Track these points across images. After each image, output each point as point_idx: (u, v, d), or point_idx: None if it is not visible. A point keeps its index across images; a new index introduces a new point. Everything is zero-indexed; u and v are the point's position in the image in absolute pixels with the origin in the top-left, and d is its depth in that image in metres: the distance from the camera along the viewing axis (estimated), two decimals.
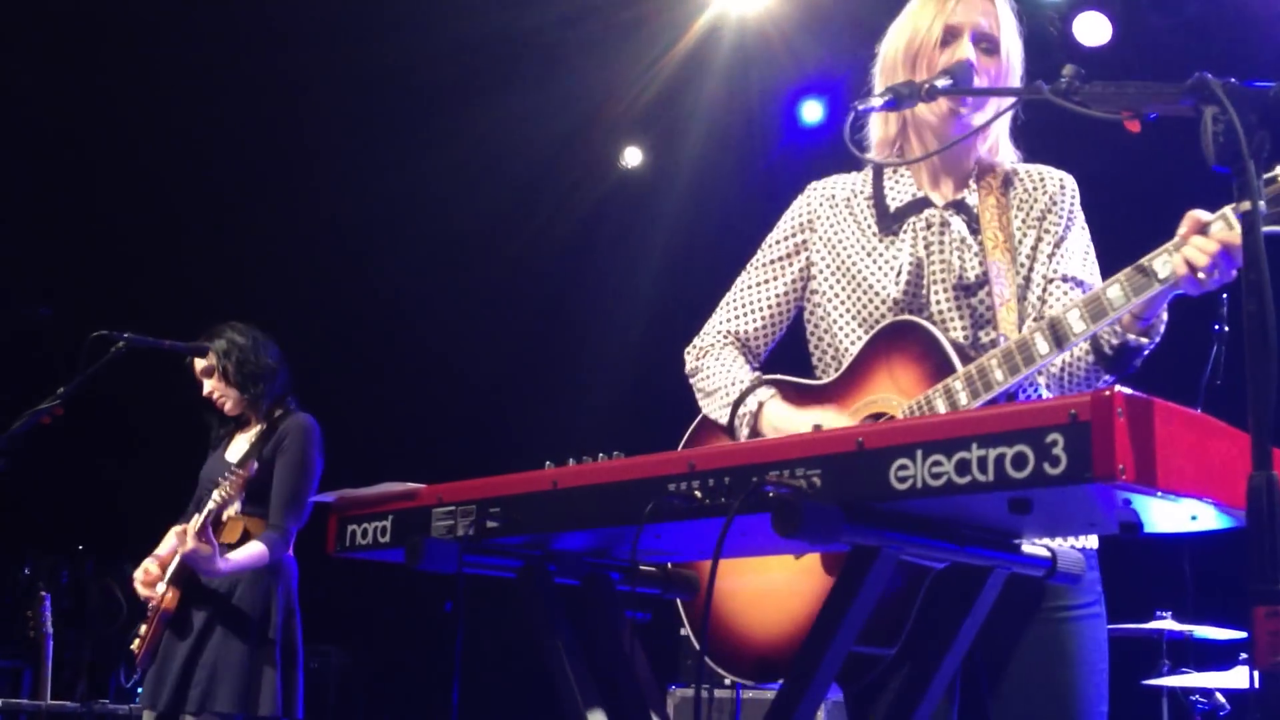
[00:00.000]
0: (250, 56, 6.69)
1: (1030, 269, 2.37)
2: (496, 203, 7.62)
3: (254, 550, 4.14)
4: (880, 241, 2.42)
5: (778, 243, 2.57)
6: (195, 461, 4.57)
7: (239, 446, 4.43)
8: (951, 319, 2.33)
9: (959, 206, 2.41)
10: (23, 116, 6.59)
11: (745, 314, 2.57)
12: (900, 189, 2.46)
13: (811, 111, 7.09)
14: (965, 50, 2.38)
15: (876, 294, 2.38)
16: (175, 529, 4.21)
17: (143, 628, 4.27)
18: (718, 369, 2.52)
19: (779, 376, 2.49)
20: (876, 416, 2.26)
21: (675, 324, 8.58)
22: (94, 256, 7.28)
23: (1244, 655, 4.71)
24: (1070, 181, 2.45)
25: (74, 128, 6.82)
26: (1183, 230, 2.01)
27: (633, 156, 7.87)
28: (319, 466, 4.35)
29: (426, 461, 4.48)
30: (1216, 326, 4.32)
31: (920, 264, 2.37)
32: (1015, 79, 2.42)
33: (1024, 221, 2.40)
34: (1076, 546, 2.25)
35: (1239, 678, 4.63)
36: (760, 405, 2.40)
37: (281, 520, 4.20)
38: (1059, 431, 1.46)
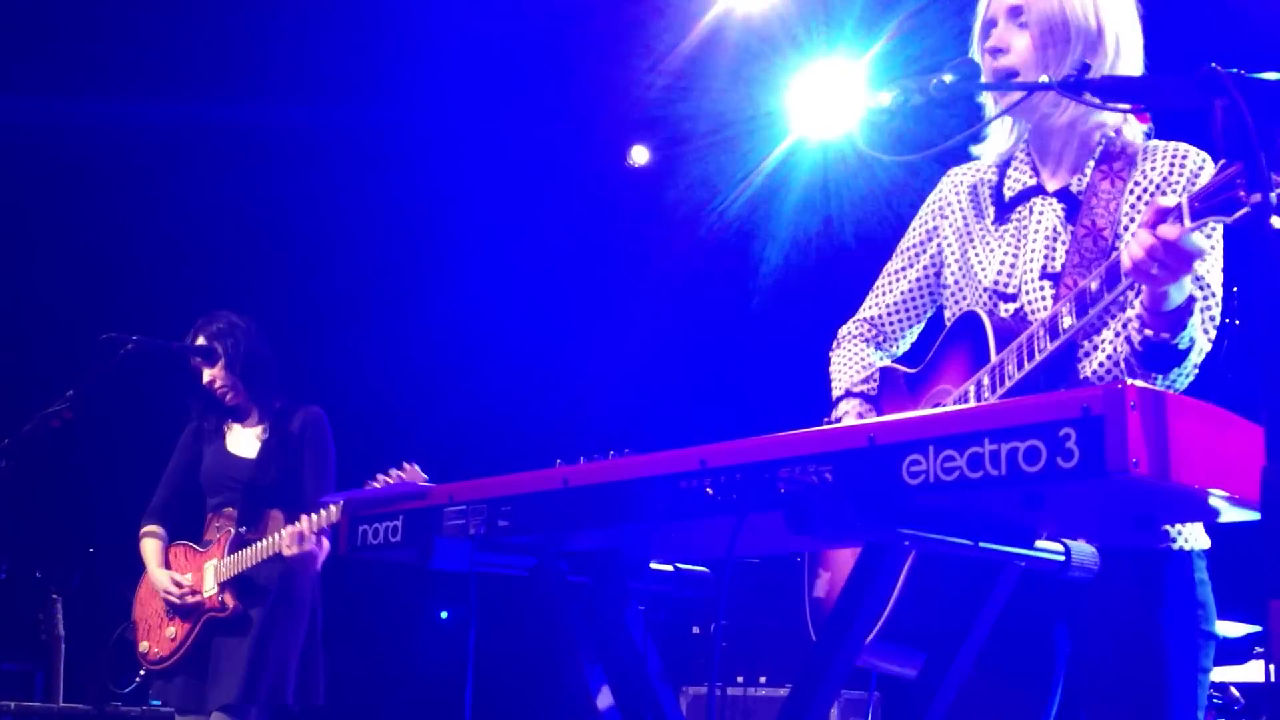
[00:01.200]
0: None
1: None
2: (502, 198, 7.62)
3: (327, 547, 4.17)
4: (993, 231, 2.43)
5: (914, 229, 2.60)
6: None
7: (243, 440, 4.40)
8: (1038, 308, 2.31)
9: (1063, 194, 2.38)
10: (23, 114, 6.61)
11: (880, 301, 2.62)
12: (1017, 178, 2.45)
13: (814, 112, 7.07)
14: (997, 37, 2.36)
15: (978, 283, 2.40)
16: (291, 529, 4.08)
17: (170, 630, 4.24)
18: (838, 366, 2.61)
19: (891, 365, 2.53)
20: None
21: (685, 320, 8.57)
22: (87, 256, 7.29)
23: (1259, 650, 4.70)
24: (1195, 156, 2.29)
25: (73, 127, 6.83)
26: (1140, 220, 1.98)
27: (640, 154, 7.87)
28: (334, 456, 4.39)
29: (437, 460, 4.48)
30: (1227, 319, 4.30)
31: (1017, 254, 2.37)
32: (1061, 44, 2.33)
33: (1138, 200, 2.31)
34: (1185, 548, 2.23)
35: (1254, 672, 4.62)
36: (838, 420, 2.48)
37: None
38: (1072, 425, 1.46)
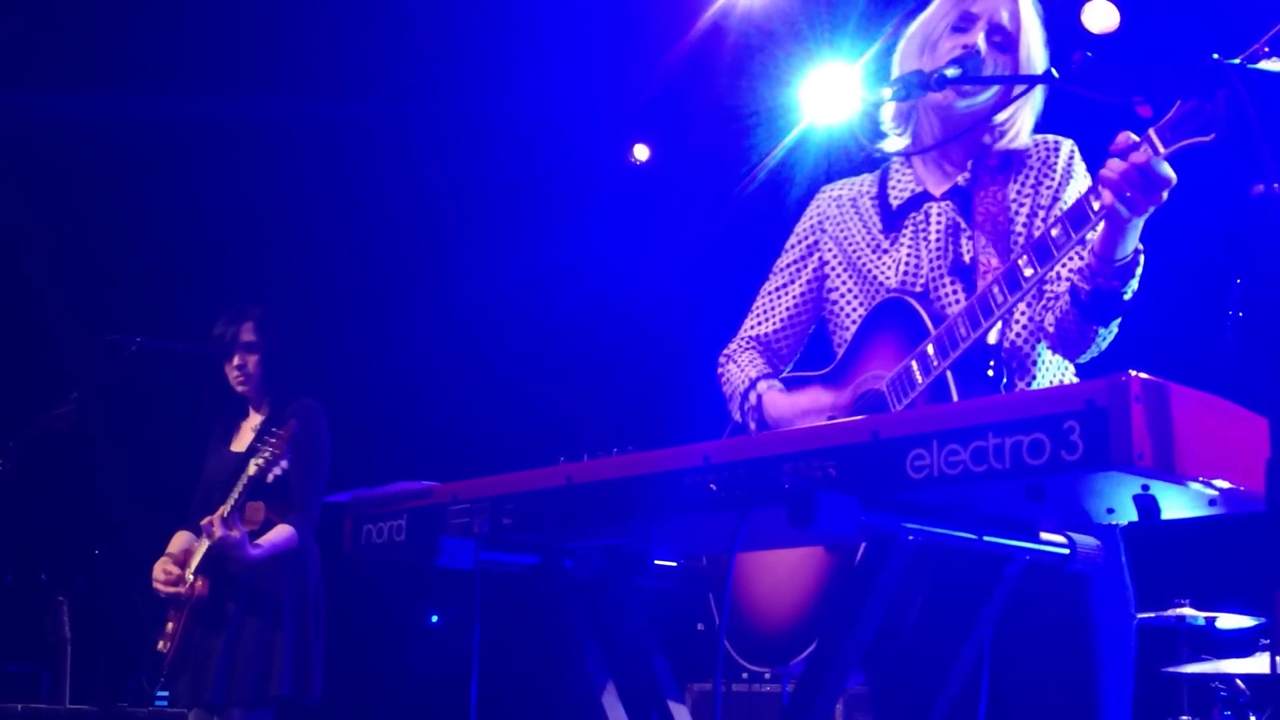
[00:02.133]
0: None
1: (1029, 235, 2.39)
2: (505, 194, 7.62)
3: (283, 534, 4.14)
4: (885, 238, 2.48)
5: (792, 248, 2.65)
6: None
7: (242, 437, 4.40)
8: (948, 303, 2.37)
9: (954, 193, 2.45)
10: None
11: (766, 319, 2.66)
12: (901, 186, 2.51)
13: (818, 106, 7.06)
14: (975, 38, 2.39)
15: (880, 286, 2.45)
16: (203, 521, 4.12)
17: (169, 626, 4.26)
18: (734, 372, 2.63)
19: (791, 373, 2.59)
20: (869, 394, 2.29)
21: (688, 318, 8.57)
22: (89, 255, 7.30)
23: (1265, 641, 4.70)
24: (1066, 143, 2.45)
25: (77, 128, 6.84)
26: (1110, 149, 2.06)
27: (641, 151, 7.86)
28: (330, 448, 4.34)
29: (441, 460, 4.48)
30: (1230, 311, 4.29)
31: (919, 255, 2.42)
32: (1035, 63, 2.43)
33: (1019, 193, 2.42)
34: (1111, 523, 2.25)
35: (1259, 664, 4.61)
36: (759, 397, 2.51)
37: (308, 503, 4.19)
38: (1076, 418, 1.45)
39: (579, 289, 7.89)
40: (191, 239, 7.22)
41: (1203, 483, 1.52)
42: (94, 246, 7.31)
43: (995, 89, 2.41)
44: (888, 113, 2.55)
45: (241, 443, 4.39)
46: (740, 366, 2.63)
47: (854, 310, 2.49)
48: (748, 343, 2.67)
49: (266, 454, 4.01)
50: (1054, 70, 2.23)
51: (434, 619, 8.28)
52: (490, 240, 7.79)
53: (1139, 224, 2.11)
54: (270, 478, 4.06)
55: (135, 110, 6.73)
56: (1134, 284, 2.19)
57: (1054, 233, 2.12)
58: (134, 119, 6.77)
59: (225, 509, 4.02)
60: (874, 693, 2.36)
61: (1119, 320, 2.24)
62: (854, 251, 2.51)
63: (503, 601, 2.12)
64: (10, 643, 6.60)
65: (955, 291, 2.37)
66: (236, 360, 4.35)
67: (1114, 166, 2.03)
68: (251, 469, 4.02)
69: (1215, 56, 1.76)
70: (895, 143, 2.55)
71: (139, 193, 7.14)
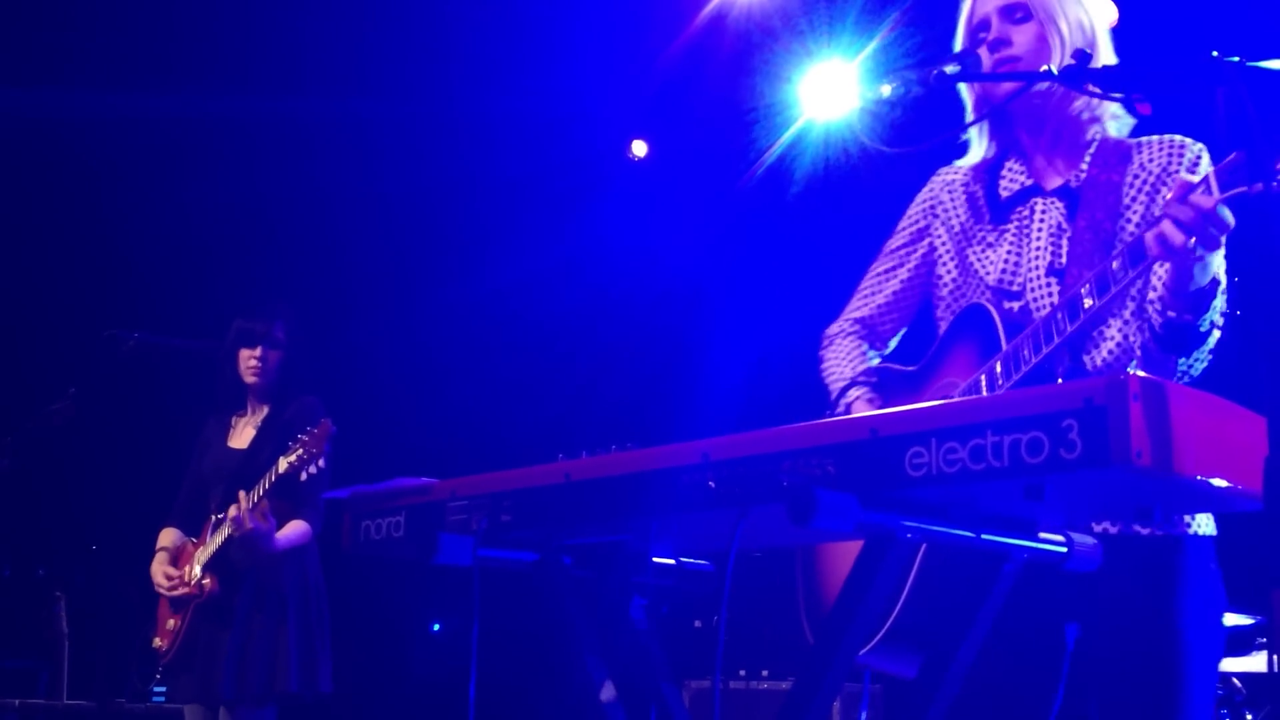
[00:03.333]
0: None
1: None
2: (503, 191, 7.61)
3: (299, 529, 4.16)
4: (991, 230, 2.44)
5: (903, 229, 2.60)
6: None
7: (242, 433, 4.41)
8: (1043, 305, 2.33)
9: (1062, 192, 2.39)
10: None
11: (870, 300, 2.62)
12: (1012, 178, 2.46)
13: (817, 102, 7.06)
14: (995, 32, 2.37)
15: (980, 282, 2.41)
16: (230, 513, 4.10)
17: (169, 623, 4.26)
18: (832, 363, 2.60)
19: (886, 365, 2.55)
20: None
21: (688, 314, 8.56)
22: (87, 252, 7.29)
23: (1262, 640, 4.70)
24: (1195, 147, 2.34)
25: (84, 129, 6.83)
26: (1167, 195, 2.03)
27: (640, 148, 7.86)
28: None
29: (440, 456, 4.48)
30: (1229, 310, 4.29)
31: (1019, 252, 2.38)
32: (1062, 40, 2.36)
33: (1133, 198, 2.33)
34: (1199, 533, 2.25)
35: (1256, 662, 4.62)
36: (848, 407, 2.48)
37: (316, 499, 4.19)
38: (1074, 416, 1.45)
39: (578, 285, 7.89)
40: (190, 235, 7.22)
41: (1201, 481, 1.51)
42: (92, 242, 7.30)
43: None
44: (970, 114, 2.49)
45: (242, 439, 4.38)
46: (839, 359, 2.59)
47: (954, 302, 2.46)
48: (850, 325, 2.63)
49: (299, 452, 3.99)
50: (1053, 67, 2.23)
51: (435, 628, 8.26)
52: (489, 237, 7.79)
53: (1212, 258, 2.05)
54: (304, 476, 4.04)
55: (135, 107, 6.73)
56: (1212, 315, 2.12)
57: (1114, 265, 2.08)
58: (133, 116, 6.77)
59: (255, 500, 4.02)
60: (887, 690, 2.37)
61: (1206, 348, 2.18)
62: (961, 241, 2.48)
63: (502, 599, 2.12)
64: (8, 638, 6.61)
65: (1052, 293, 2.32)
66: (259, 351, 4.36)
67: (1173, 210, 1.98)
68: (283, 466, 4.02)
69: (1214, 54, 1.75)
70: (976, 148, 2.51)
71: (137, 189, 7.14)
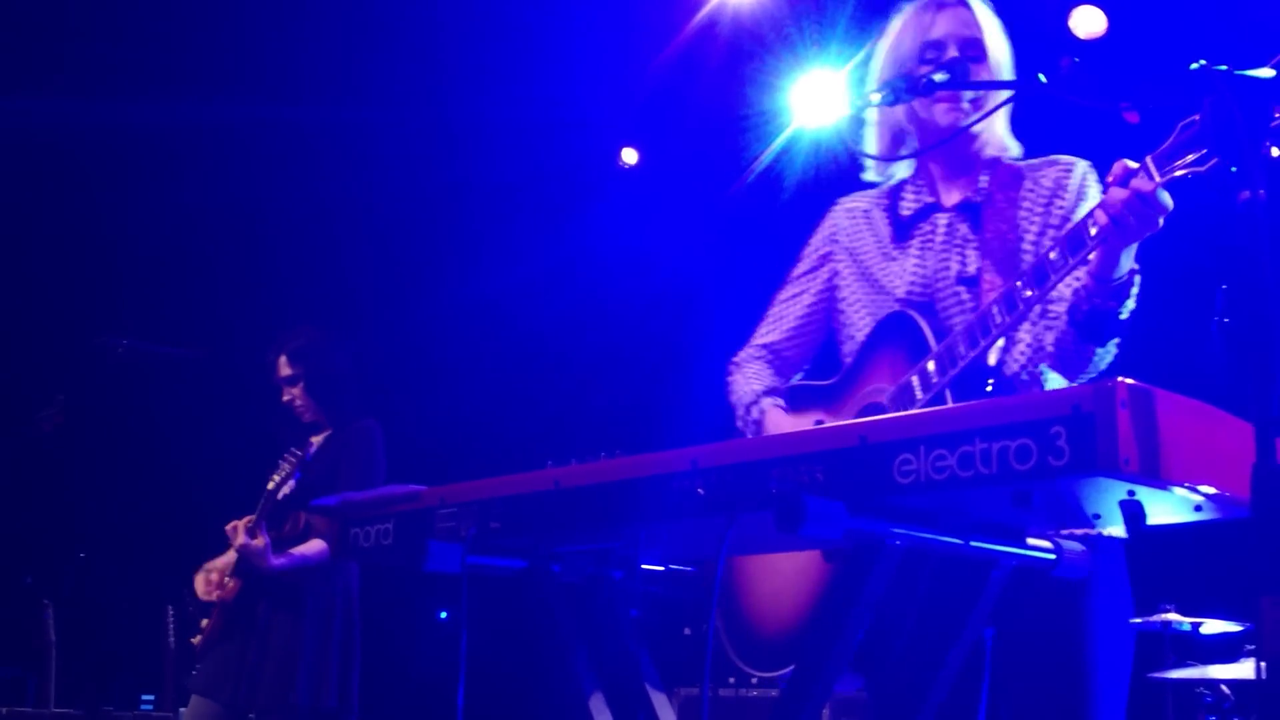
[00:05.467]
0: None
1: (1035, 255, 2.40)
2: (494, 199, 7.61)
3: (314, 547, 4.16)
4: (895, 248, 2.52)
5: (805, 258, 2.69)
6: (198, 469, 4.55)
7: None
8: (955, 313, 2.39)
9: (964, 207, 2.48)
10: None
11: (776, 327, 2.69)
12: (913, 197, 2.54)
13: (807, 110, 7.07)
14: (950, 56, 2.44)
15: (887, 296, 2.48)
16: (226, 526, 4.15)
17: (203, 622, 4.29)
18: (739, 384, 2.66)
19: (797, 382, 2.62)
20: (871, 406, 2.30)
21: (678, 322, 8.54)
22: (78, 258, 7.28)
23: (1250, 647, 4.71)
24: (1081, 164, 2.47)
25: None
26: (1109, 179, 2.10)
27: (630, 155, 7.86)
28: (382, 468, 4.34)
29: (429, 463, 4.48)
30: (1216, 317, 4.30)
31: (926, 265, 2.45)
32: (1005, 73, 2.48)
33: (1029, 210, 2.44)
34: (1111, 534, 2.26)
35: (1244, 670, 4.63)
36: (762, 413, 2.55)
37: None
38: (1062, 424, 1.46)
39: (569, 292, 7.89)
40: (181, 242, 7.21)
41: (1188, 488, 1.52)
42: (82, 249, 7.28)
43: (991, 101, 2.42)
44: (870, 133, 2.59)
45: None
46: (746, 378, 2.65)
47: (862, 320, 2.52)
48: (757, 351, 2.70)
49: (284, 470, 4.09)
50: (1041, 76, 2.24)
51: (443, 615, 8.28)
52: (479, 244, 7.78)
53: (1134, 247, 2.14)
54: (281, 495, 4.12)
55: (128, 113, 6.72)
56: (1130, 304, 2.21)
57: (1051, 256, 2.14)
58: (124, 122, 6.76)
59: (250, 519, 4.06)
60: (871, 698, 2.36)
61: (1116, 340, 2.26)
62: (865, 261, 2.55)
63: (496, 604, 2.12)
64: None
65: (962, 301, 2.39)
66: (284, 395, 4.40)
67: (1115, 194, 2.06)
68: (270, 484, 4.09)
69: (1201, 63, 1.76)
70: (873, 173, 2.60)
71: (129, 195, 7.13)
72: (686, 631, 5.92)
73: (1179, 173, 2.00)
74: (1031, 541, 1.86)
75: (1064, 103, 2.07)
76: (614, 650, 2.06)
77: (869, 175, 2.63)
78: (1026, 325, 2.36)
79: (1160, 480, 1.47)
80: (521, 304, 7.91)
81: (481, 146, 7.35)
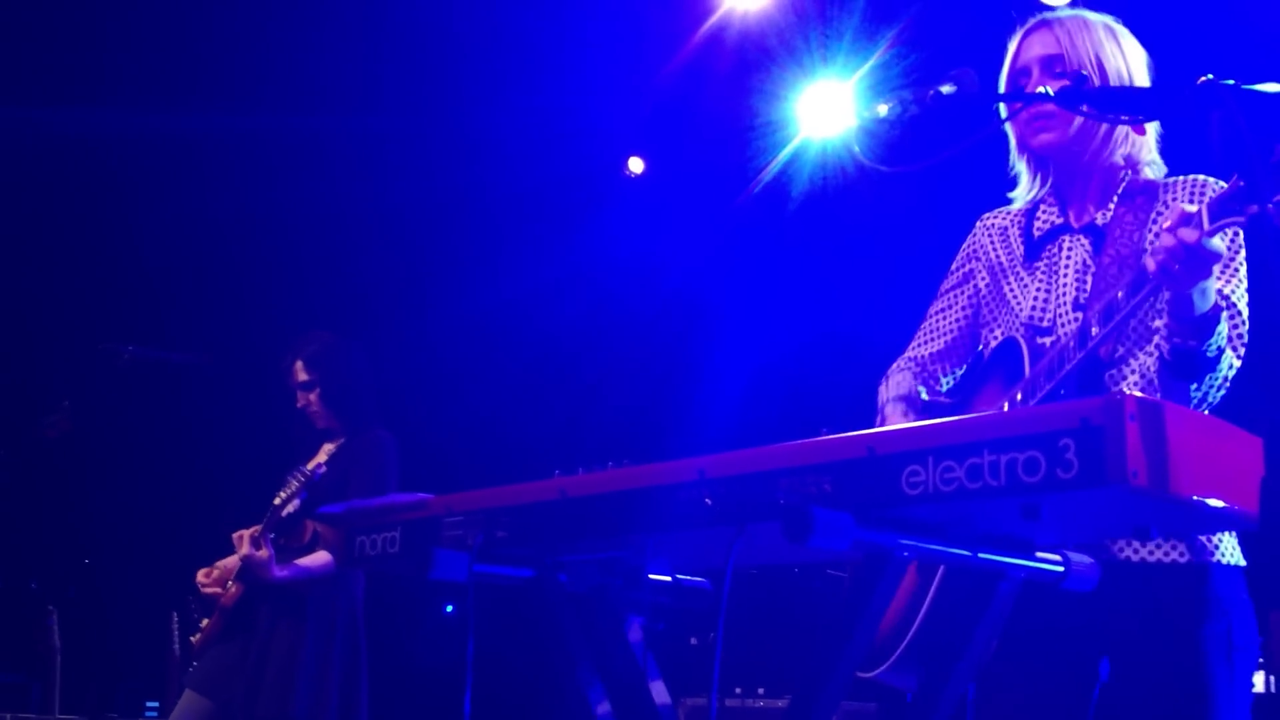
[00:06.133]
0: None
1: None
2: (501, 207, 7.62)
3: (319, 559, 4.15)
4: (1025, 269, 2.52)
5: (952, 273, 2.70)
6: (203, 476, 4.56)
7: (320, 460, 4.41)
8: (1072, 339, 2.34)
9: (1089, 229, 2.45)
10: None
11: (925, 340, 2.71)
12: (1045, 218, 2.54)
13: (813, 120, 7.08)
14: (1034, 81, 2.43)
15: (1015, 318, 2.49)
16: (234, 535, 4.15)
17: (203, 622, 4.30)
18: (882, 392, 2.69)
19: (932, 399, 2.64)
20: None
21: (684, 331, 8.53)
22: (83, 264, 7.30)
23: (1261, 660, 4.70)
24: (1214, 183, 2.38)
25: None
26: (1164, 225, 2.05)
27: (636, 164, 7.87)
28: (394, 480, 4.33)
29: (436, 472, 4.47)
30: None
31: (1049, 288, 2.45)
32: (1123, 78, 2.40)
33: (1158, 234, 2.31)
34: (1226, 562, 2.26)
35: (1256, 682, 4.61)
36: (882, 411, 2.59)
37: None
38: (1071, 436, 1.45)
39: (577, 302, 7.90)
40: (189, 249, 7.22)
41: (1197, 501, 1.52)
42: (89, 255, 7.30)
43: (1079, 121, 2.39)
44: (1023, 176, 2.57)
45: (312, 462, 4.39)
46: (889, 386, 2.68)
47: (994, 339, 2.54)
48: (906, 363, 2.72)
49: (291, 487, 4.08)
50: (1050, 90, 2.25)
51: (449, 609, 8.28)
52: (487, 253, 7.79)
53: (1209, 284, 2.08)
54: (285, 513, 4.11)
55: (134, 120, 6.74)
56: (1218, 340, 2.14)
57: (1118, 295, 2.13)
58: (133, 129, 6.78)
59: (256, 529, 4.06)
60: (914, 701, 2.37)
61: (1221, 374, 2.20)
62: (998, 281, 2.56)
63: (514, 607, 2.12)
64: (0, 652, 6.58)
65: (1077, 329, 2.35)
66: (299, 400, 4.39)
67: (1164, 242, 2.02)
68: (276, 500, 4.08)
69: (1210, 77, 1.76)
70: (1024, 188, 2.58)
71: (137, 202, 7.15)
72: (694, 641, 5.91)
73: (1231, 221, 1.93)
74: (1040, 554, 1.85)
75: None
76: (620, 659, 2.05)
77: (1017, 202, 2.61)
78: (1142, 354, 2.31)
79: (1169, 494, 1.47)
80: (528, 313, 7.92)
81: (490, 155, 7.36)
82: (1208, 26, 5.35)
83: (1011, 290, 2.51)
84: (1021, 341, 2.35)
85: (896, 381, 2.68)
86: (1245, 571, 2.27)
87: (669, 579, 2.21)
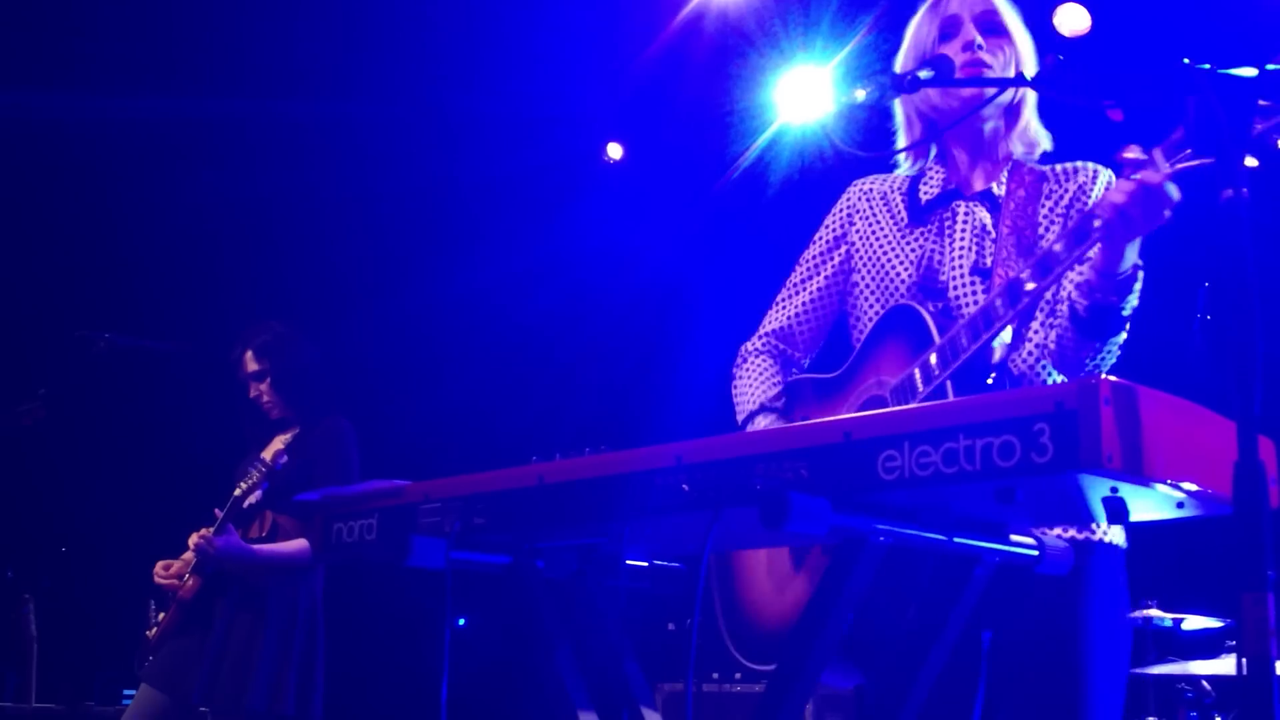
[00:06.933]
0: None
1: None
2: (479, 194, 7.60)
3: (296, 546, 4.11)
4: (910, 233, 2.48)
5: (820, 239, 2.65)
6: (179, 464, 4.53)
7: (274, 449, 4.38)
8: (967, 303, 2.37)
9: (985, 197, 2.45)
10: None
11: (786, 310, 2.66)
12: (933, 183, 2.51)
13: (792, 106, 7.08)
14: (969, 34, 2.42)
15: (898, 282, 2.45)
16: (191, 539, 4.12)
17: (161, 615, 4.26)
18: (743, 384, 2.64)
19: (800, 375, 2.59)
20: (873, 399, 2.29)
21: (661, 318, 8.54)
22: (61, 252, 7.24)
23: (1231, 643, 4.73)
24: (1105, 172, 2.44)
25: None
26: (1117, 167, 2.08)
27: (615, 150, 7.86)
28: (357, 466, 4.29)
29: (413, 459, 4.46)
30: (1198, 314, 4.33)
31: (940, 252, 2.42)
32: (1029, 58, 2.44)
33: (1051, 211, 2.41)
34: (1108, 540, 2.28)
35: (1225, 666, 4.65)
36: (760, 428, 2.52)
37: None
38: (1045, 420, 1.46)
39: (554, 288, 7.89)
40: (163, 236, 7.17)
41: (1171, 485, 1.52)
42: (63, 242, 7.25)
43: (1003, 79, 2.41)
44: (900, 122, 2.56)
45: (270, 452, 4.36)
46: (752, 379, 2.62)
47: (870, 308, 2.49)
48: (765, 342, 2.66)
49: (252, 479, 4.05)
50: (1025, 73, 2.25)
51: (461, 622, 8.23)
52: (463, 239, 7.77)
53: (1138, 241, 2.11)
54: (246, 504, 4.09)
55: (107, 106, 6.69)
56: (1133, 300, 2.18)
57: (1056, 248, 2.12)
58: (106, 115, 6.72)
59: (207, 532, 4.02)
60: (868, 694, 2.37)
61: (1119, 339, 2.23)
62: (877, 245, 2.51)
63: (489, 602, 2.12)
64: None
65: (975, 291, 2.37)
66: (251, 391, 4.34)
67: (1121, 186, 2.03)
68: (236, 491, 4.06)
69: (1186, 61, 1.77)
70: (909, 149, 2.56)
71: (114, 188, 7.09)
72: (671, 627, 5.93)
73: (1189, 164, 1.97)
74: (1015, 538, 1.86)
75: (1055, 102, 2.07)
76: (598, 645, 2.06)
77: (902, 169, 2.58)
78: (1036, 324, 2.34)
79: (1143, 477, 1.48)
80: (506, 299, 7.90)
81: (467, 140, 7.34)
82: (1183, 10, 5.37)
83: (896, 255, 2.48)
84: (920, 308, 2.31)
85: (760, 372, 2.63)
86: (1127, 552, 2.30)
87: (646, 565, 2.21)
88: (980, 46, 2.41)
